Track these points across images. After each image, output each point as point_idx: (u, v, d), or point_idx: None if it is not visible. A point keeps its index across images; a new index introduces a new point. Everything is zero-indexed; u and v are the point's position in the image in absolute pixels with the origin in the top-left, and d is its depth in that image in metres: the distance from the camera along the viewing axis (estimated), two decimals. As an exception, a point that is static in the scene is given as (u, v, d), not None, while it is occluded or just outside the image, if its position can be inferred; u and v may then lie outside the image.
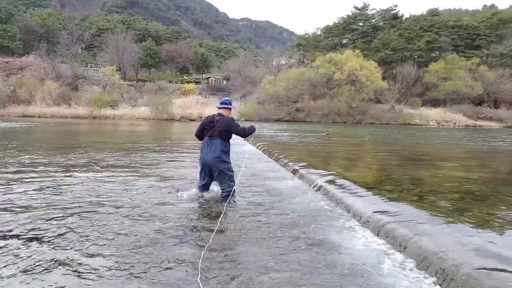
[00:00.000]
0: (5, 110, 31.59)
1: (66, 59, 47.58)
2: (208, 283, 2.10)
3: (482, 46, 50.30)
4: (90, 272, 2.17)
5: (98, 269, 2.21)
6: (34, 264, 2.26)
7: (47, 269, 2.21)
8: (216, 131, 3.91)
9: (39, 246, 2.54)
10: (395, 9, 58.48)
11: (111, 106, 32.80)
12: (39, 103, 32.92)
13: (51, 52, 53.46)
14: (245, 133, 4.05)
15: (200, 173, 4.15)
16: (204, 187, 4.20)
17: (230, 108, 4.15)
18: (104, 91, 37.96)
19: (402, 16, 58.70)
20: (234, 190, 3.96)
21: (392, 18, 58.14)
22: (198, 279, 2.11)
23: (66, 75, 42.29)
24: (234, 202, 3.95)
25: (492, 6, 78.39)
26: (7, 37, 52.33)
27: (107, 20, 69.41)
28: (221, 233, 2.97)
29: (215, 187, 4.31)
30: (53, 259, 2.35)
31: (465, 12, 69.00)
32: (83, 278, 2.10)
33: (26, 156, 6.87)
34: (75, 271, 2.19)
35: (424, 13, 58.76)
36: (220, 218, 3.29)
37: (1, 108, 32.11)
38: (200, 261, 2.36)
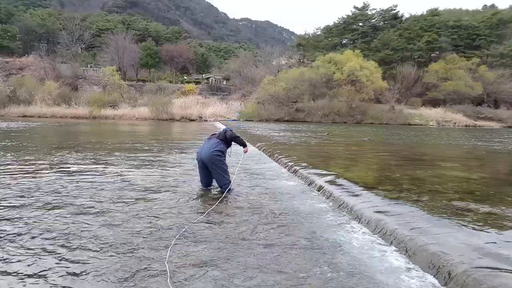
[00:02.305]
0: (5, 110, 31.64)
1: (66, 59, 47.68)
2: (198, 283, 2.10)
3: (482, 46, 50.23)
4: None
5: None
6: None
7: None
8: (217, 134, 4.55)
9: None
10: (395, 9, 58.41)
11: (111, 106, 32.86)
12: (39, 103, 33.00)
13: (51, 52, 53.57)
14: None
15: (199, 170, 4.52)
16: (204, 185, 4.52)
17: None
18: (104, 91, 38.02)
19: (402, 16, 58.63)
20: (230, 183, 4.33)
21: (392, 18, 58.06)
22: (168, 281, 2.08)
23: (66, 75, 42.36)
24: (230, 191, 4.28)
25: (492, 6, 78.25)
26: (7, 37, 52.31)
27: (107, 20, 69.38)
28: (217, 230, 2.98)
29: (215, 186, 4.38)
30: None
31: (465, 12, 68.86)
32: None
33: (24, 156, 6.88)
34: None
35: (424, 13, 58.74)
36: (207, 212, 3.31)
37: (1, 108, 32.15)
38: (167, 259, 2.36)
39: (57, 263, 2.29)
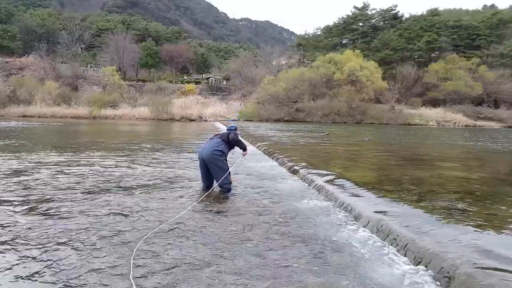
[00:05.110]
0: (5, 110, 31.63)
1: (66, 59, 47.65)
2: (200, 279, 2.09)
3: (482, 46, 50.20)
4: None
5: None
6: None
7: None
8: (220, 134, 4.59)
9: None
10: (395, 9, 58.40)
11: (111, 106, 32.85)
12: (39, 103, 32.98)
13: (51, 52, 53.56)
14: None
15: (200, 169, 4.54)
16: (205, 184, 4.53)
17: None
18: (104, 91, 38.00)
19: (402, 16, 58.62)
20: (230, 183, 4.39)
21: (392, 18, 58.04)
22: (130, 276, 2.09)
23: (66, 75, 42.32)
24: (229, 191, 4.34)
25: (492, 6, 78.21)
26: (7, 37, 52.28)
27: (107, 20, 69.36)
28: (216, 229, 2.98)
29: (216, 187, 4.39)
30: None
31: (465, 12, 68.83)
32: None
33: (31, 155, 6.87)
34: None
35: (424, 13, 58.74)
36: (188, 209, 3.31)
37: (1, 108, 32.15)
38: (133, 256, 2.37)
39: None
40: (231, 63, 53.77)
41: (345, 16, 60.84)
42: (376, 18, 59.67)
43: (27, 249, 2.48)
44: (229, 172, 4.39)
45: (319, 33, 64.39)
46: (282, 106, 35.92)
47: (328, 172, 5.31)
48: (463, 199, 3.78)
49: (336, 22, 62.35)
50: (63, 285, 2.02)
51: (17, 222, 3.05)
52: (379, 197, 3.86)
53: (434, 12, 56.89)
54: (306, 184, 5.01)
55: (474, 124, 37.65)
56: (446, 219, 3.05)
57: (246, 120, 31.96)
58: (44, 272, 2.16)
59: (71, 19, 56.40)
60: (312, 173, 5.30)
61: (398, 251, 2.61)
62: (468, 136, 18.49)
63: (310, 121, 34.15)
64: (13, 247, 2.52)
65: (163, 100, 32.52)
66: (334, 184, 4.53)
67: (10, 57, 47.60)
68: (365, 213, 3.32)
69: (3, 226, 2.94)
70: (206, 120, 31.02)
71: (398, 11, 58.55)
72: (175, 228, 3.02)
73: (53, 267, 2.22)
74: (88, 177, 5.04)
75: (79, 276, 2.12)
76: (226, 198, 4.14)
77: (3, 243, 2.59)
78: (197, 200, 3.88)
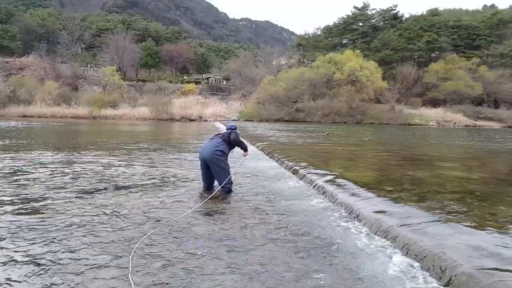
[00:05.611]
0: (5, 110, 31.64)
1: (66, 59, 47.64)
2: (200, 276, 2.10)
3: (482, 46, 50.18)
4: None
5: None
6: None
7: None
8: (221, 134, 4.58)
9: None
10: (395, 9, 58.38)
11: (111, 106, 32.85)
12: (39, 103, 32.99)
13: (51, 52, 53.56)
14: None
15: (201, 169, 4.53)
16: (206, 184, 4.53)
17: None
18: (104, 91, 38.00)
19: (402, 16, 58.61)
20: (231, 183, 4.39)
21: (392, 18, 58.03)
22: (129, 274, 2.10)
23: (66, 75, 42.32)
24: (230, 191, 4.34)
25: (492, 6, 78.20)
26: (7, 37, 52.26)
27: (107, 20, 69.34)
28: (216, 228, 2.98)
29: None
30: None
31: (465, 12, 68.80)
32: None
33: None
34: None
35: (424, 13, 58.75)
36: (192, 210, 3.32)
37: (1, 108, 32.16)
38: (131, 255, 2.37)
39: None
40: (231, 63, 53.76)
41: (345, 16, 60.84)
42: (376, 18, 59.65)
43: (20, 249, 2.49)
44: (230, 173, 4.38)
45: (319, 33, 64.41)
46: (282, 106, 35.91)
47: (328, 172, 5.31)
48: (463, 199, 3.78)
49: (336, 22, 62.36)
50: (61, 284, 2.02)
51: (8, 221, 3.05)
52: (379, 197, 3.86)
53: (434, 12, 56.88)
54: (306, 184, 5.01)
55: (474, 124, 37.64)
56: (445, 218, 3.06)
57: (246, 120, 31.96)
58: (41, 272, 2.17)
59: (71, 19, 56.37)
60: (312, 173, 5.30)
61: (398, 251, 2.61)
62: (468, 136, 18.50)
63: (310, 121, 34.15)
64: (4, 246, 2.52)
65: (163, 100, 32.52)
66: (334, 184, 4.53)
67: (10, 57, 47.58)
68: (365, 213, 3.32)
69: None
70: (206, 120, 31.01)
71: (398, 11, 58.62)
72: (176, 228, 3.02)
73: (51, 267, 2.22)
74: (85, 177, 5.04)
75: (77, 275, 2.12)
76: (227, 199, 4.14)
77: None
78: (201, 201, 3.85)
